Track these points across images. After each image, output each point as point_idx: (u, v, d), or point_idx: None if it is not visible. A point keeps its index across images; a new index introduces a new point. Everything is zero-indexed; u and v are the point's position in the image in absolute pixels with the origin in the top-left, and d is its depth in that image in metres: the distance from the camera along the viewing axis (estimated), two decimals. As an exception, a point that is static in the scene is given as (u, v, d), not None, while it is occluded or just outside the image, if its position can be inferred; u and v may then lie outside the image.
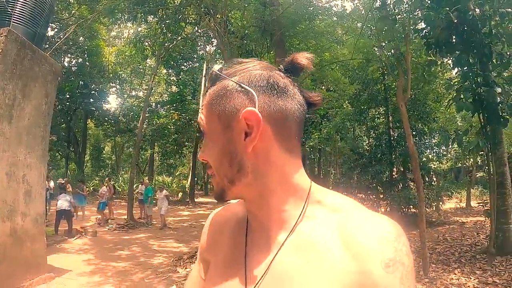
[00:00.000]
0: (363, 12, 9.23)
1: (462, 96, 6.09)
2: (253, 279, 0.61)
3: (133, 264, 6.71)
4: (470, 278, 4.98)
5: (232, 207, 0.79)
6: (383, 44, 8.49)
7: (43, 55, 5.32)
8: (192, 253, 7.21)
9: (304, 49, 11.18)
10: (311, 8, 10.18)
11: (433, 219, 11.38)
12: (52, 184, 11.87)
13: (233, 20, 11.17)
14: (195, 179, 24.18)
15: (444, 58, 6.65)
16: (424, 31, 6.40)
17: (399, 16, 6.34)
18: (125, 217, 12.38)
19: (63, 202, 9.01)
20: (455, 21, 4.85)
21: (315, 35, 10.55)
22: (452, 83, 6.76)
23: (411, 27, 6.31)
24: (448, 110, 12.68)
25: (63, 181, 12.83)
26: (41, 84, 5.25)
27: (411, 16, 6.40)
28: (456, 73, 7.17)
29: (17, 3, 4.58)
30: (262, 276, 0.60)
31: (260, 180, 0.62)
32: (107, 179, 14.72)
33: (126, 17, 10.62)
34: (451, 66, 6.86)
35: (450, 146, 19.60)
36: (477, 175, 18.40)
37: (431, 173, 12.13)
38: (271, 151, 0.61)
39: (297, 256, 0.59)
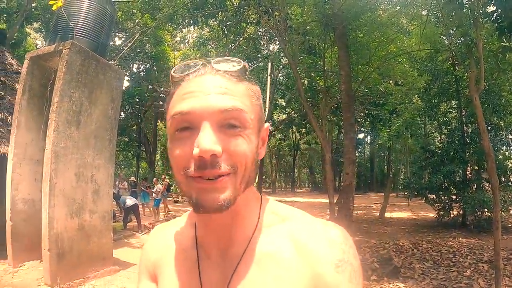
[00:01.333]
0: (428, -3, 8.50)
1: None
2: None
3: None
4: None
5: (178, 222, 0.76)
6: (451, 31, 7.76)
7: (107, 63, 5.72)
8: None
9: (368, 42, 10.69)
10: (372, -2, 9.67)
11: (509, 225, 10.22)
12: (125, 184, 12.83)
13: (293, 16, 11.07)
14: (263, 177, 24.48)
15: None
16: (494, 14, 5.69)
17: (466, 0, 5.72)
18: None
19: (130, 200, 9.69)
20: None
21: (378, 27, 10.00)
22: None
23: (480, 10, 5.64)
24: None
25: (135, 180, 13.82)
26: (106, 90, 5.65)
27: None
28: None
29: (79, 18, 5.01)
30: None
31: (251, 187, 0.63)
32: (163, 176, 15.46)
33: (187, 22, 11.03)
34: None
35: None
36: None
37: (508, 172, 10.83)
38: None
39: (255, 269, 0.59)
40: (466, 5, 5.82)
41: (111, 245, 5.66)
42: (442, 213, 11.15)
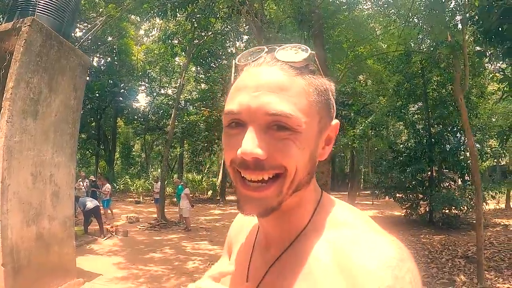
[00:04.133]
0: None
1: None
2: None
3: (166, 269, 6.36)
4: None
5: None
6: (423, 37, 7.82)
7: (71, 47, 5.01)
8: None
9: (344, 41, 10.61)
10: (350, -3, 9.60)
11: (474, 221, 10.79)
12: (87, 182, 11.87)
13: (268, 11, 10.72)
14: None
15: (491, 49, 5.87)
16: (472, 19, 5.71)
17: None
18: (155, 216, 12.21)
19: (90, 202, 8.87)
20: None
21: (355, 26, 9.94)
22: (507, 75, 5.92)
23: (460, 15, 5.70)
24: (496, 105, 11.93)
25: (95, 179, 12.83)
26: (69, 77, 4.93)
27: (461, 3, 5.80)
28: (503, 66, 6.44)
29: (42, -9, 4.29)
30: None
31: (308, 187, 0.60)
32: (99, 174, 14.73)
33: (155, 11, 10.33)
34: (501, 57, 5.99)
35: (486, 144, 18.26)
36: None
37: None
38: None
39: (288, 271, 0.57)
40: (448, 9, 5.83)
41: (74, 255, 4.97)
42: (409, 211, 11.40)
